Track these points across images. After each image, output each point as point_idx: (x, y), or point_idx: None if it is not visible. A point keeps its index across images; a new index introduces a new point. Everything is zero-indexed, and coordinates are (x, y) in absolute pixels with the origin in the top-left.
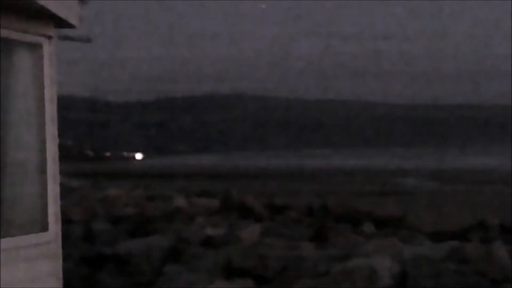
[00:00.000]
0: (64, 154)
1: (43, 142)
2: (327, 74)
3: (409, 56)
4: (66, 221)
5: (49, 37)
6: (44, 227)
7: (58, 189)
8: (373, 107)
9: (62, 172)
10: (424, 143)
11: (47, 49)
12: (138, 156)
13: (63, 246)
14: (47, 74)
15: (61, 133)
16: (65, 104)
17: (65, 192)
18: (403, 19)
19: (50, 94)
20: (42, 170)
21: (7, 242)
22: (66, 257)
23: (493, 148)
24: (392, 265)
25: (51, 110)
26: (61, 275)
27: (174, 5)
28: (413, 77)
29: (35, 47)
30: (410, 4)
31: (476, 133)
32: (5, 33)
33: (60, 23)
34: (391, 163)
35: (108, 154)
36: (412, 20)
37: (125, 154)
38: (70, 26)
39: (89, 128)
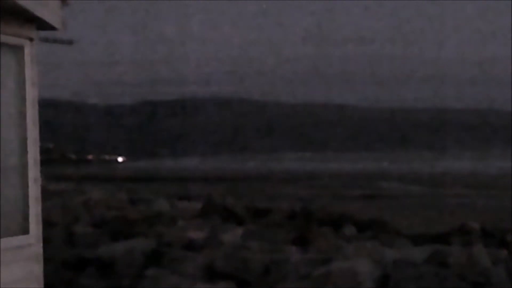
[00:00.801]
0: (46, 157)
1: (24, 144)
2: (310, 78)
3: (394, 60)
4: (47, 224)
5: (31, 39)
6: (25, 230)
7: (39, 191)
8: (357, 111)
9: (44, 175)
10: (407, 146)
11: (29, 51)
12: (120, 159)
13: (45, 249)
14: (28, 76)
15: (43, 136)
16: (47, 106)
17: (47, 195)
18: (393, 22)
19: (31, 97)
20: (23, 172)
21: None
22: (47, 260)
23: (476, 151)
24: (374, 268)
25: (32, 113)
26: (42, 278)
27: (159, 8)
28: (398, 81)
29: (16, 49)
30: (398, 7)
31: (461, 137)
32: None
33: (42, 25)
34: (374, 167)
35: (90, 157)
36: (401, 23)
37: (107, 157)
38: (53, 28)
39: (71, 131)
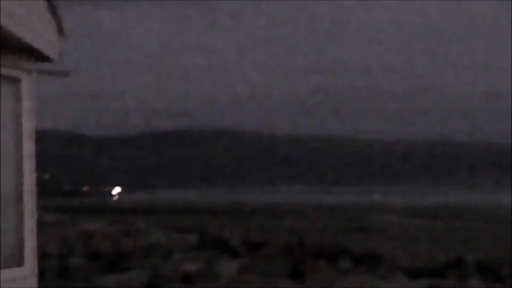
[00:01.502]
0: (42, 189)
1: (20, 176)
2: (306, 110)
3: (387, 92)
4: (43, 255)
5: (29, 72)
6: (20, 262)
7: (35, 224)
8: (351, 143)
9: (39, 207)
10: (403, 180)
11: (26, 83)
12: (116, 191)
13: (40, 281)
14: (25, 109)
15: (39, 167)
16: (43, 138)
17: (43, 226)
18: (380, 55)
19: (28, 129)
20: (19, 204)
21: None
22: None
23: (475, 185)
24: None
25: (29, 145)
26: None
27: (155, 40)
28: (392, 113)
29: (14, 81)
30: (387, 39)
31: (457, 170)
32: None
33: (40, 57)
34: (370, 200)
35: (86, 188)
36: (389, 56)
37: (103, 189)
38: (50, 60)
39: (67, 162)
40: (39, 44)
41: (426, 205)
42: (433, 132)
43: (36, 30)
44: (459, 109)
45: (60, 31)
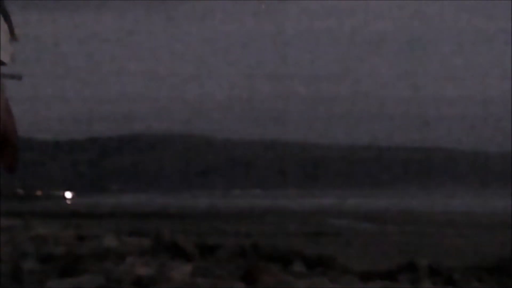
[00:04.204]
0: None
1: None
2: (258, 114)
3: (347, 98)
4: None
5: None
6: None
7: None
8: (307, 148)
9: None
10: (356, 184)
11: None
12: (69, 194)
13: None
14: None
15: None
16: None
17: None
18: (346, 61)
19: None
20: None
21: None
22: None
23: (427, 189)
24: None
25: None
26: None
27: (108, 44)
28: (349, 118)
29: None
30: (354, 44)
31: (410, 174)
32: None
33: None
34: (324, 204)
35: (39, 192)
36: (354, 61)
37: (56, 193)
38: (2, 63)
39: (19, 166)
40: None
41: (379, 209)
42: (384, 137)
43: None
44: (411, 115)
45: (12, 34)
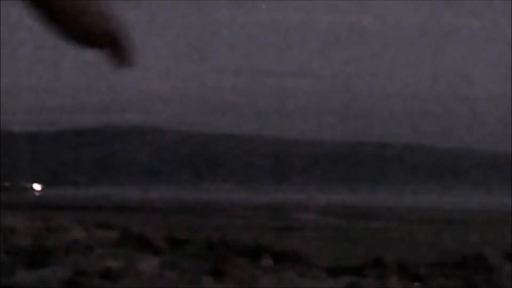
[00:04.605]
0: None
1: None
2: (228, 109)
3: (315, 93)
4: None
5: None
6: None
7: None
8: (276, 143)
9: None
10: (326, 179)
11: None
12: (37, 186)
13: None
14: None
15: None
16: None
17: None
18: (313, 56)
19: None
20: None
21: None
22: None
23: (394, 185)
24: None
25: None
26: None
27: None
28: (318, 113)
29: None
30: (321, 41)
31: (377, 170)
32: None
33: None
34: (292, 199)
35: (6, 184)
36: (321, 57)
37: (24, 184)
38: None
39: None
40: None
41: (347, 204)
42: (352, 132)
43: None
44: (379, 111)
45: None
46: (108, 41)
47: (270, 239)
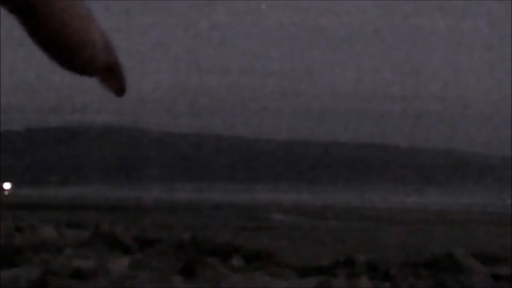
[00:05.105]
0: None
1: None
2: (199, 108)
3: (280, 93)
4: None
5: None
6: None
7: None
8: (248, 142)
9: None
10: (297, 179)
11: None
12: (7, 186)
13: None
14: None
15: None
16: None
17: None
18: (280, 55)
19: None
20: None
21: None
22: None
23: (367, 186)
24: None
25: None
26: None
27: None
28: (287, 113)
29: None
30: (283, 40)
31: (351, 171)
32: None
33: None
34: (263, 199)
35: None
36: (286, 57)
37: None
38: None
39: None
40: None
41: (318, 204)
42: (325, 133)
43: None
44: (352, 111)
45: None
46: (107, 70)
47: (241, 239)
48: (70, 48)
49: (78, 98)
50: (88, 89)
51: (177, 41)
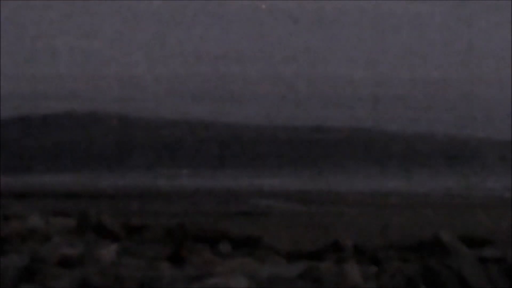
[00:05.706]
0: None
1: None
2: (186, 94)
3: (256, 78)
4: None
5: None
6: None
7: None
8: (234, 128)
9: None
10: (284, 165)
11: None
12: None
13: None
14: None
15: None
16: None
17: None
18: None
19: None
20: None
21: None
22: None
23: (352, 170)
24: (249, 284)
25: None
26: None
27: (32, 19)
28: (270, 98)
29: None
30: (259, 25)
31: (337, 156)
32: None
33: None
34: (250, 185)
35: None
36: (253, 42)
37: None
38: None
39: None
40: None
41: (305, 190)
42: (311, 117)
43: None
44: (335, 96)
45: None
46: None
47: (228, 225)
48: None
49: (62, 85)
50: (72, 76)
51: (157, 26)
